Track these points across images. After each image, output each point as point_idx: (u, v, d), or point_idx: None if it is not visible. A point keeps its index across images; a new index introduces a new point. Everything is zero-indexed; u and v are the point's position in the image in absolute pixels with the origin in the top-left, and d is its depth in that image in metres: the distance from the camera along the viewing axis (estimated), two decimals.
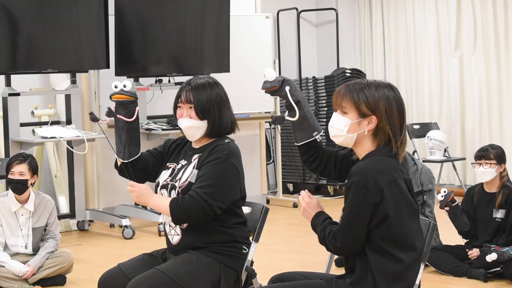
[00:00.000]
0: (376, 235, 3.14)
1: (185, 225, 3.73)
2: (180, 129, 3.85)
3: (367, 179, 3.09)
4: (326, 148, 3.55)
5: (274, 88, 3.58)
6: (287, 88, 3.55)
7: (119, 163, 3.89)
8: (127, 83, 3.84)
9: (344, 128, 3.21)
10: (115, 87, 3.82)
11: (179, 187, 3.72)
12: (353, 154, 3.41)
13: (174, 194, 3.74)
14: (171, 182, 3.77)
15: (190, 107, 3.76)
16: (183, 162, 3.81)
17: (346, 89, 3.24)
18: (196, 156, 3.78)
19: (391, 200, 3.11)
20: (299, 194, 3.41)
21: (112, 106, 3.87)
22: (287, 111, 3.61)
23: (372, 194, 3.09)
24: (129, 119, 3.83)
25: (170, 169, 3.84)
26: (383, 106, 3.17)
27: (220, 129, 3.80)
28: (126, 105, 3.83)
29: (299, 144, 3.57)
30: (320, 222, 3.28)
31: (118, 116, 3.83)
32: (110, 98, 3.85)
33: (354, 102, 3.19)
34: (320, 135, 3.55)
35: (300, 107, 3.55)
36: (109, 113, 3.84)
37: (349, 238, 3.15)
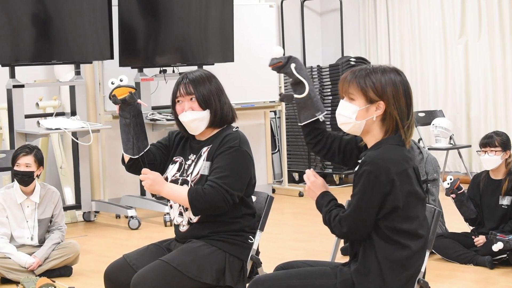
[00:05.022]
0: (384, 224, 3.14)
1: (195, 219, 3.72)
2: (181, 125, 3.83)
3: (379, 169, 3.09)
4: (330, 131, 3.51)
5: (280, 64, 3.51)
6: (292, 66, 3.50)
7: (126, 160, 3.87)
8: (123, 77, 3.80)
9: (353, 115, 3.20)
10: (112, 83, 3.80)
11: (192, 181, 3.71)
12: (358, 140, 3.39)
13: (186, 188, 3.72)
14: (181, 177, 3.75)
15: (191, 99, 3.75)
16: (192, 157, 3.79)
17: (352, 75, 3.22)
18: (205, 148, 3.76)
19: (401, 190, 3.11)
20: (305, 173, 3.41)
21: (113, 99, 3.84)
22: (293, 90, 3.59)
23: (383, 184, 3.09)
24: (144, 104, 3.82)
25: (177, 164, 3.82)
26: (390, 91, 3.17)
27: (222, 117, 3.78)
28: (128, 100, 3.79)
29: (302, 124, 3.52)
30: (325, 203, 3.27)
31: (138, 101, 3.80)
32: (110, 97, 3.79)
33: (361, 88, 3.18)
34: (326, 121, 3.52)
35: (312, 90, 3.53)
36: (115, 101, 3.80)
37: (356, 225, 3.15)
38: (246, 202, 3.77)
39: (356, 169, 3.22)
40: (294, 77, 3.50)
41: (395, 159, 3.13)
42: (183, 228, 3.77)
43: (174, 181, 3.77)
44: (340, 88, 3.27)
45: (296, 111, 3.57)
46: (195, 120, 3.75)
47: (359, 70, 3.23)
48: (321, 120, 3.49)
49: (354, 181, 3.19)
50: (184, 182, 3.73)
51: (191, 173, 3.74)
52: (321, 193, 3.32)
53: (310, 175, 3.35)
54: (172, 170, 3.82)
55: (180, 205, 3.74)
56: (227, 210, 3.66)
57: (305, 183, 3.38)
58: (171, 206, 3.84)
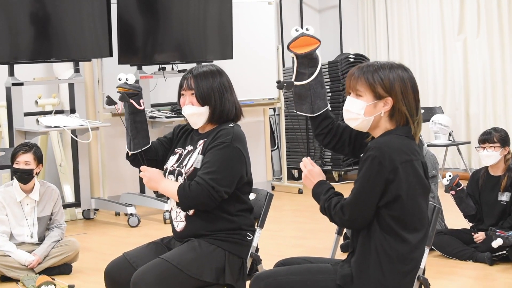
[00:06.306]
0: (387, 214, 3.13)
1: (191, 211, 3.74)
2: (184, 117, 3.88)
3: (384, 155, 3.09)
4: (339, 122, 3.52)
5: (316, 44, 3.53)
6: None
7: (129, 154, 3.93)
8: (130, 76, 3.88)
9: (361, 111, 3.21)
10: (119, 79, 3.87)
11: (185, 173, 3.74)
12: (365, 134, 3.39)
13: (180, 180, 3.75)
14: (177, 168, 3.79)
15: (192, 94, 3.79)
16: (189, 147, 3.83)
17: (360, 71, 3.23)
18: (201, 141, 3.79)
19: (405, 180, 3.11)
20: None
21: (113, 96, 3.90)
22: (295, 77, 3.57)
23: (386, 171, 3.09)
24: (139, 107, 3.86)
25: (177, 155, 3.86)
26: (399, 87, 3.18)
27: (222, 115, 3.80)
28: (130, 97, 3.85)
29: (315, 115, 3.53)
30: (323, 191, 3.27)
31: (131, 100, 3.85)
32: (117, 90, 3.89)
33: (370, 84, 3.19)
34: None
35: (321, 74, 3.56)
36: (109, 102, 3.87)
37: (358, 211, 3.14)
38: (240, 198, 3.77)
39: (361, 155, 3.22)
40: (317, 57, 3.51)
41: (400, 148, 3.14)
42: (179, 227, 3.79)
43: (172, 171, 3.80)
44: (347, 84, 3.27)
45: (299, 103, 3.56)
46: (194, 114, 3.79)
47: (367, 66, 3.24)
48: (330, 109, 3.53)
49: (359, 167, 3.19)
50: (179, 173, 3.76)
51: (185, 165, 3.77)
52: (318, 182, 3.32)
53: (307, 163, 3.36)
54: (171, 160, 3.87)
55: None
56: (215, 205, 3.67)
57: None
58: (168, 198, 3.87)
